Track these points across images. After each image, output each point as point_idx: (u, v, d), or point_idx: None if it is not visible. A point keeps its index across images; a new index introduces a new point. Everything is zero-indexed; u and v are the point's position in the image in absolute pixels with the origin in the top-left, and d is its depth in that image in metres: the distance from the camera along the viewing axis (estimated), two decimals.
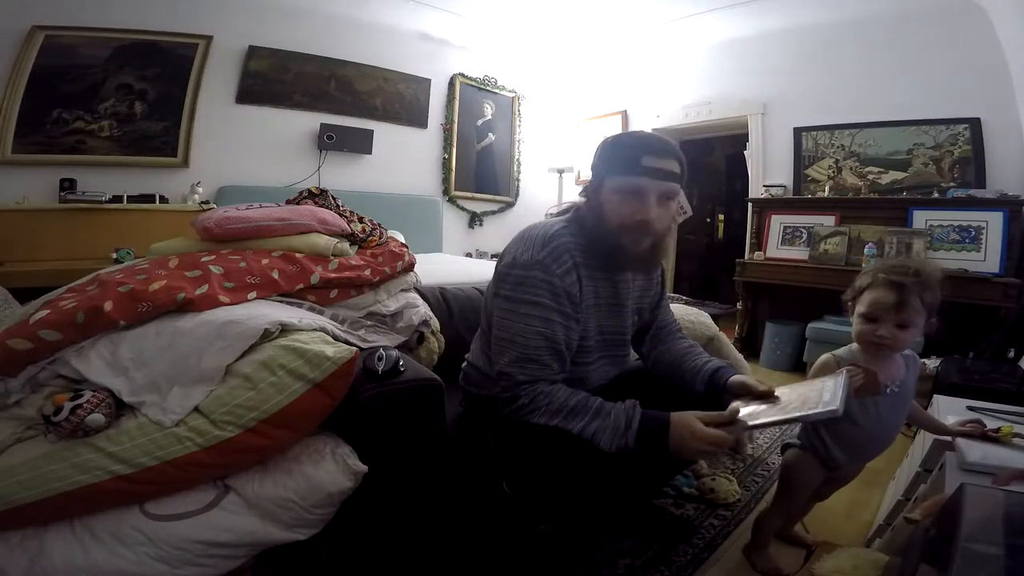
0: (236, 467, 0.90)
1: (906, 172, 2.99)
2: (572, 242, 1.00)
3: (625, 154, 0.96)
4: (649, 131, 4.10)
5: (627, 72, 4.42)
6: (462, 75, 4.21)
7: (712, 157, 5.41)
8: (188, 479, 0.86)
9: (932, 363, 2.18)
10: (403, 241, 1.72)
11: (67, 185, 2.61)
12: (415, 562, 1.09)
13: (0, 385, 0.94)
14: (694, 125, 3.96)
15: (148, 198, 2.78)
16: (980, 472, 0.94)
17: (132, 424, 0.89)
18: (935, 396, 1.51)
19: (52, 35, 2.62)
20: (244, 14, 3.19)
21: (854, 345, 1.12)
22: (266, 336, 0.97)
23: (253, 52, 3.24)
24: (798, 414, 0.84)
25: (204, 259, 1.18)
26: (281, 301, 1.20)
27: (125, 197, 2.70)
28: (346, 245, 1.42)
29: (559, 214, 1.13)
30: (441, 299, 1.66)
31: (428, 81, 4.02)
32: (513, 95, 4.58)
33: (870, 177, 3.12)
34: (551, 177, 4.63)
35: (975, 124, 2.74)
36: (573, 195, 5.03)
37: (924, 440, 1.34)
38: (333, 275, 1.29)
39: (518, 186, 4.73)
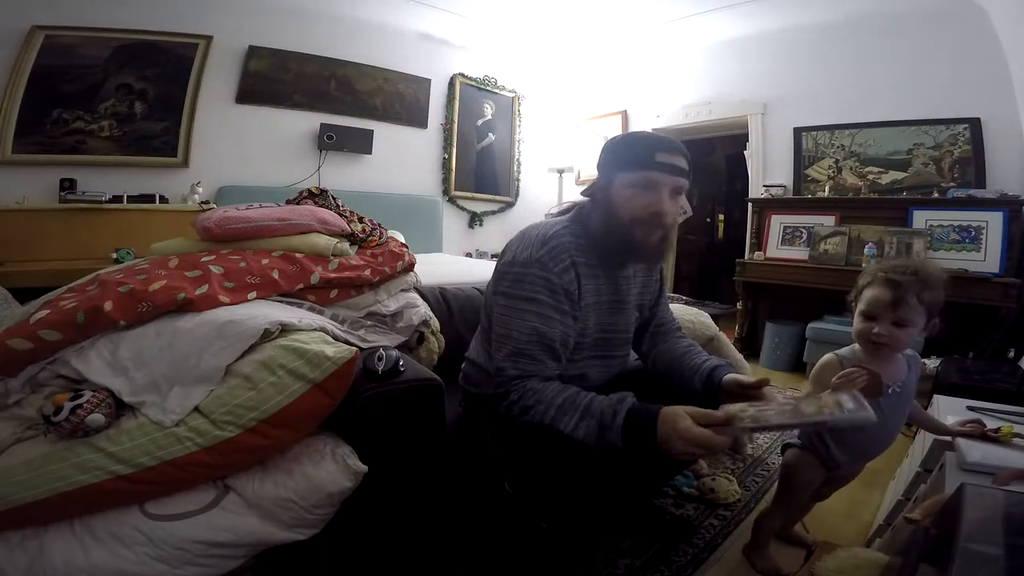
0: (236, 467, 0.90)
1: (906, 172, 2.99)
2: (571, 241, 1.02)
3: (638, 150, 0.98)
4: (650, 130, 4.11)
5: (627, 72, 4.42)
6: (462, 75, 4.21)
7: (712, 157, 5.41)
8: (188, 479, 0.86)
9: (932, 363, 2.18)
10: (403, 241, 1.72)
11: (67, 185, 2.61)
12: (415, 562, 1.09)
13: (0, 385, 0.94)
14: (694, 125, 3.96)
15: (148, 198, 2.78)
16: (980, 472, 0.94)
17: (132, 424, 0.89)
18: (935, 396, 1.51)
19: (52, 35, 2.62)
20: (244, 14, 3.19)
21: (856, 345, 1.12)
22: (266, 336, 0.97)
23: (253, 52, 3.24)
24: (821, 419, 0.79)
25: (204, 259, 1.18)
26: (281, 301, 1.20)
27: (125, 197, 2.70)
28: (346, 245, 1.42)
29: (559, 214, 1.13)
30: (441, 299, 1.66)
31: (428, 81, 4.03)
32: (513, 95, 4.58)
33: (870, 177, 3.12)
34: (551, 177, 4.64)
35: (975, 124, 2.74)
36: (573, 195, 5.03)
37: (924, 440, 1.34)
38: (333, 275, 1.29)
39: (518, 186, 4.73)
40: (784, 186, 3.43)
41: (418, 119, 4.03)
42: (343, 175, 3.65)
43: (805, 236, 3.20)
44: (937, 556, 0.58)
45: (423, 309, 1.46)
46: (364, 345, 1.19)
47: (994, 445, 1.03)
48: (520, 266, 0.98)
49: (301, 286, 1.24)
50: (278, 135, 3.41)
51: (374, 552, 1.03)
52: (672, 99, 4.08)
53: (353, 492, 0.94)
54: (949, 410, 1.28)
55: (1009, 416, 1.21)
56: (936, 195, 2.84)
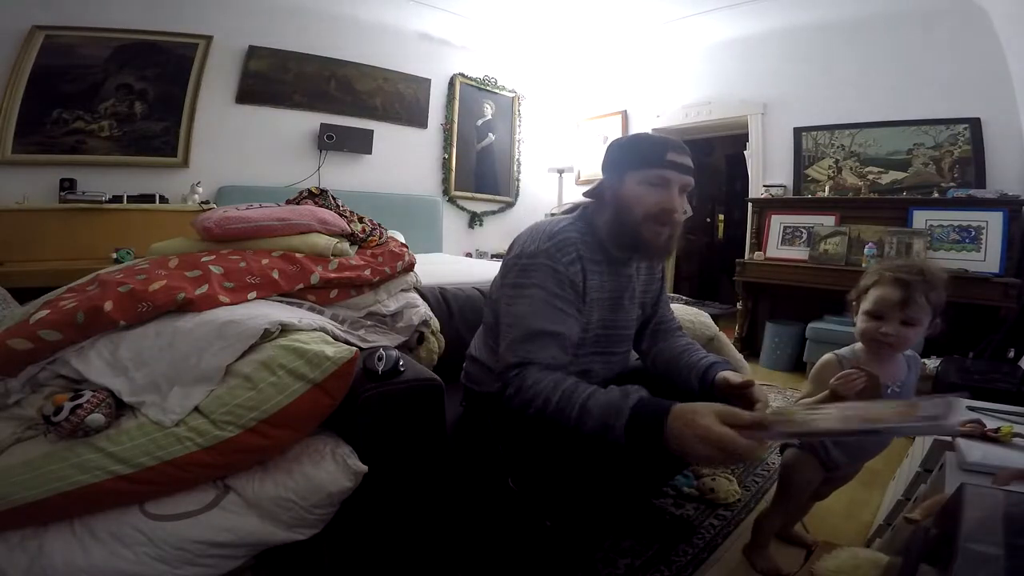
0: (236, 467, 0.90)
1: (906, 172, 2.99)
2: (578, 237, 1.03)
3: (650, 149, 1.00)
4: (650, 131, 4.13)
5: (627, 72, 4.42)
6: (462, 75, 4.21)
7: (712, 157, 5.41)
8: (188, 479, 0.86)
9: (932, 363, 2.18)
10: (403, 241, 1.72)
11: (67, 185, 2.61)
12: (415, 562, 1.09)
13: (0, 385, 0.94)
14: (694, 125, 3.96)
15: (148, 198, 2.78)
16: (980, 472, 0.94)
17: (132, 424, 0.89)
18: None
19: (52, 35, 2.62)
20: (244, 14, 3.19)
21: (856, 345, 1.12)
22: (266, 336, 0.97)
23: (253, 52, 3.24)
24: (889, 426, 0.69)
25: (204, 259, 1.18)
26: (281, 301, 1.20)
27: (125, 197, 2.70)
28: (346, 245, 1.42)
29: (563, 214, 1.14)
30: (441, 299, 1.66)
31: (428, 81, 4.03)
32: (513, 95, 4.58)
33: (870, 177, 3.12)
34: (551, 177, 4.64)
35: (975, 124, 2.74)
36: (573, 195, 5.05)
37: (924, 440, 1.34)
38: (333, 275, 1.29)
39: (518, 186, 4.73)
40: (784, 186, 3.43)
41: (418, 119, 4.03)
42: (343, 175, 3.65)
43: (805, 236, 3.20)
44: (937, 556, 0.58)
45: (423, 309, 1.46)
46: (364, 345, 1.19)
47: (994, 445, 1.03)
48: (527, 257, 0.99)
49: (301, 286, 1.24)
50: (278, 135, 3.41)
51: (374, 552, 1.03)
52: (672, 99, 4.08)
53: (353, 492, 0.94)
54: None
55: (1009, 416, 1.21)
56: (936, 195, 2.84)
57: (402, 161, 3.96)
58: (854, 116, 3.16)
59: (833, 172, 3.27)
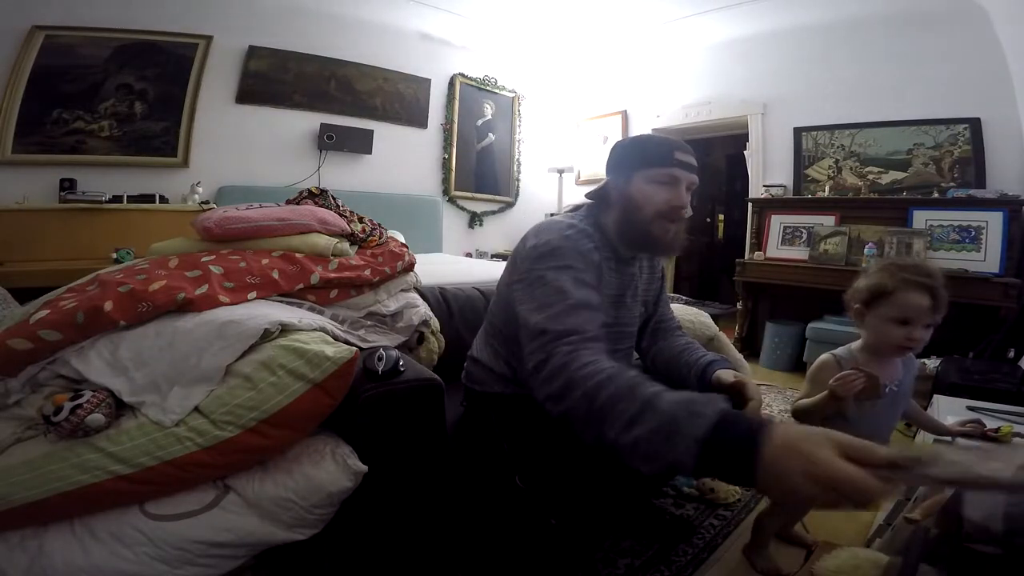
0: (236, 467, 0.90)
1: (906, 172, 2.99)
2: (592, 232, 1.03)
3: (659, 149, 1.02)
4: (651, 132, 4.13)
5: (627, 72, 4.42)
6: (462, 75, 4.21)
7: (712, 157, 5.40)
8: (188, 479, 0.86)
9: (932, 363, 2.18)
10: (403, 241, 1.72)
11: (67, 185, 2.61)
12: (415, 562, 1.09)
13: (0, 385, 0.94)
14: (694, 125, 3.96)
15: (148, 198, 2.78)
16: None
17: (132, 424, 0.89)
18: (935, 396, 1.52)
19: (52, 35, 2.62)
20: (244, 14, 3.19)
21: (853, 344, 1.12)
22: (266, 336, 0.97)
23: (253, 52, 3.24)
24: None
25: (204, 259, 1.18)
26: (281, 301, 1.20)
27: (125, 197, 2.70)
28: (346, 245, 1.42)
29: (566, 214, 1.14)
30: (441, 299, 1.66)
31: (428, 81, 4.03)
32: (513, 95, 4.58)
33: (870, 177, 3.12)
34: (551, 177, 4.64)
35: (975, 124, 2.74)
36: (573, 195, 5.04)
37: (924, 440, 1.34)
38: (333, 275, 1.29)
39: (518, 186, 4.73)
40: (784, 186, 3.43)
41: (418, 119, 4.03)
42: (343, 175, 3.65)
43: (805, 236, 3.20)
44: (937, 556, 0.58)
45: (423, 309, 1.46)
46: (364, 345, 1.20)
47: (994, 445, 1.03)
48: (547, 246, 0.95)
49: (301, 286, 1.24)
50: (278, 135, 3.41)
51: (374, 552, 1.03)
52: (672, 99, 4.08)
53: (353, 492, 0.94)
54: (949, 410, 1.28)
55: (1009, 416, 1.21)
56: (936, 195, 2.84)
57: (402, 161, 3.96)
58: (854, 116, 3.16)
59: (833, 172, 3.27)
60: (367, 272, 1.36)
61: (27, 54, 2.56)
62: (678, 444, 0.58)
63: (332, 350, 0.94)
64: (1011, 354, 2.14)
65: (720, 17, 3.71)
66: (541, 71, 4.71)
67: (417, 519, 1.07)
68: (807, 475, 0.51)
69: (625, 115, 4.43)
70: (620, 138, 4.38)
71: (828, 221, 3.12)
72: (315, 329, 1.06)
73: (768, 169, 3.57)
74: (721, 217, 5.83)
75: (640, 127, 4.30)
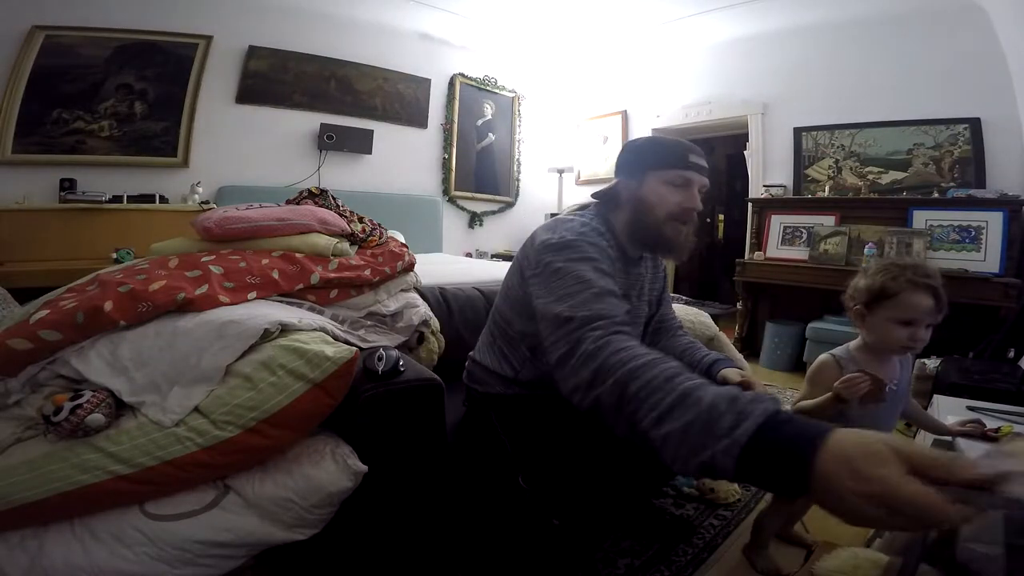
0: (236, 467, 0.90)
1: (906, 172, 2.99)
2: (605, 230, 1.03)
3: (673, 151, 1.02)
4: (651, 132, 4.12)
5: (627, 72, 4.42)
6: (462, 75, 4.21)
7: (712, 157, 5.39)
8: (188, 479, 0.86)
9: (932, 363, 2.18)
10: (403, 241, 1.72)
11: (67, 185, 2.61)
12: (415, 562, 1.09)
13: (0, 385, 0.94)
14: (694, 125, 3.96)
15: (148, 198, 2.78)
16: None
17: (132, 424, 0.89)
18: (935, 396, 1.52)
19: (52, 35, 2.62)
20: (244, 14, 3.19)
21: (851, 344, 1.12)
22: (266, 336, 0.97)
23: (253, 52, 3.24)
24: None
25: (204, 259, 1.18)
26: (281, 301, 1.20)
27: (125, 197, 2.70)
28: (346, 245, 1.42)
29: (572, 213, 1.13)
30: (441, 299, 1.66)
31: (428, 81, 4.03)
32: (513, 95, 4.58)
33: (870, 177, 3.12)
34: (551, 177, 4.64)
35: (975, 124, 2.74)
36: (573, 195, 5.02)
37: (924, 440, 1.34)
38: (333, 275, 1.29)
39: (518, 186, 4.73)
40: (784, 186, 3.43)
41: (418, 119, 4.03)
42: (343, 175, 3.65)
43: (805, 236, 3.20)
44: (937, 556, 0.58)
45: (423, 309, 1.46)
46: (364, 345, 1.20)
47: (994, 445, 1.03)
48: (562, 240, 0.94)
49: (301, 286, 1.24)
50: (278, 135, 3.41)
51: (374, 552, 1.03)
52: (672, 99, 4.08)
53: (353, 492, 0.94)
54: (949, 410, 1.28)
55: (1009, 416, 1.21)
56: (936, 195, 2.84)
57: (402, 161, 3.96)
58: (854, 116, 3.16)
59: (833, 172, 3.27)
60: (367, 272, 1.36)
61: (27, 54, 2.56)
62: (716, 443, 0.52)
63: (332, 350, 0.94)
64: (1011, 354, 2.13)
65: (720, 17, 3.72)
66: (541, 71, 4.71)
67: (417, 519, 1.07)
68: (863, 495, 0.43)
69: (625, 115, 4.43)
70: (626, 138, 4.39)
71: (828, 221, 3.12)
72: (315, 329, 1.06)
73: (768, 169, 3.57)
74: (721, 217, 5.83)
75: (640, 127, 4.30)
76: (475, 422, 1.20)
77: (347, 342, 1.10)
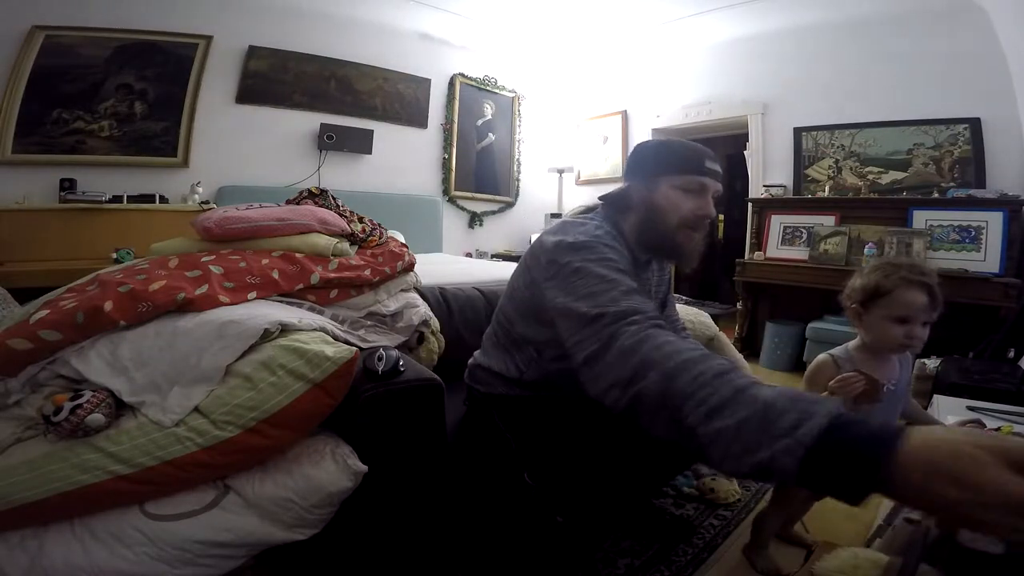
0: (236, 467, 0.90)
1: (906, 172, 2.99)
2: (616, 234, 1.03)
3: (689, 156, 1.00)
4: (651, 132, 4.11)
5: (627, 72, 4.42)
6: (462, 75, 4.21)
7: None
8: (188, 479, 0.86)
9: (932, 363, 2.18)
10: (403, 241, 1.72)
11: (67, 185, 2.61)
12: (415, 562, 1.09)
13: (0, 385, 0.94)
14: (694, 125, 3.96)
15: (148, 198, 2.78)
16: None
17: (132, 424, 0.89)
18: (935, 396, 1.52)
19: (52, 35, 2.62)
20: (244, 14, 3.20)
21: (850, 344, 1.12)
22: (266, 336, 0.97)
23: (253, 52, 3.24)
24: None
25: (204, 259, 1.18)
26: (281, 301, 1.20)
27: (125, 197, 2.70)
28: (346, 245, 1.42)
29: (578, 215, 1.13)
30: (441, 299, 1.66)
31: (428, 81, 4.03)
32: (513, 95, 4.58)
33: (870, 177, 3.12)
34: (551, 177, 4.64)
35: (975, 124, 2.74)
36: (573, 195, 5.02)
37: None
38: (333, 275, 1.29)
39: (518, 186, 4.73)
40: (784, 186, 3.43)
41: (418, 119, 4.03)
42: (343, 175, 3.65)
43: (805, 236, 3.20)
44: (937, 556, 0.58)
45: (423, 309, 1.46)
46: (364, 345, 1.19)
47: None
48: (577, 241, 0.92)
49: (301, 286, 1.24)
50: (278, 135, 3.41)
51: (374, 552, 1.03)
52: (672, 99, 4.08)
53: (353, 492, 0.94)
54: (949, 410, 1.28)
55: (1009, 416, 1.21)
56: (936, 195, 2.84)
57: (402, 161, 3.96)
58: (854, 116, 3.16)
59: (833, 172, 3.27)
60: (367, 272, 1.36)
61: (27, 54, 2.56)
62: (775, 443, 0.49)
63: (332, 350, 0.94)
64: (1011, 354, 2.13)
65: (720, 17, 3.72)
66: (541, 71, 4.71)
67: (417, 519, 1.07)
68: (971, 503, 0.40)
69: (625, 115, 4.43)
70: (626, 138, 4.39)
71: (828, 221, 3.12)
72: (315, 329, 1.06)
73: (768, 169, 3.57)
74: (721, 217, 5.82)
75: (640, 127, 4.30)
76: (477, 421, 1.20)
77: (347, 342, 1.10)
